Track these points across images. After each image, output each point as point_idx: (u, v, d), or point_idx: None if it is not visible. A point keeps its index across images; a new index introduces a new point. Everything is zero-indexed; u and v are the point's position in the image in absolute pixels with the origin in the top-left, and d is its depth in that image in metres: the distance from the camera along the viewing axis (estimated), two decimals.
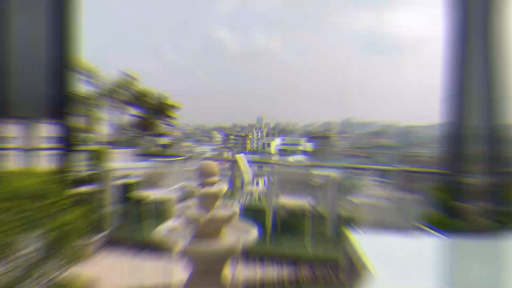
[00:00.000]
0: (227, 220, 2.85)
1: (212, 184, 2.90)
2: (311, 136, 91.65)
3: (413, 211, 3.11)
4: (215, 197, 2.87)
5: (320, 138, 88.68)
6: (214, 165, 2.92)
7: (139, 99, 7.06)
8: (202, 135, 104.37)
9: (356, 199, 5.31)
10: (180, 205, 3.05)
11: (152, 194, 5.00)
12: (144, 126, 7.04)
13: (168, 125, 7.28)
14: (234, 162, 6.61)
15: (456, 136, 3.60)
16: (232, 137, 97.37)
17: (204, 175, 2.87)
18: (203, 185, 2.88)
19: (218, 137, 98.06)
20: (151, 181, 5.11)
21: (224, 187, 2.93)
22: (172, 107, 7.17)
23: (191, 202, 3.09)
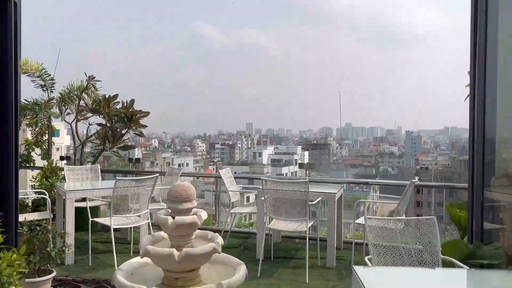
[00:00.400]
0: (206, 257, 2.57)
1: (187, 211, 2.62)
2: (308, 144, 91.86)
3: (431, 235, 2.87)
4: (191, 227, 2.59)
5: (317, 145, 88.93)
6: (189, 188, 2.64)
7: (102, 106, 6.75)
8: (182, 145, 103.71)
9: (363, 220, 5.08)
10: (148, 237, 2.76)
11: (116, 222, 4.68)
12: (108, 137, 6.72)
13: (138, 135, 6.96)
14: (217, 179, 6.33)
15: (482, 144, 3.39)
16: (217, 146, 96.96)
17: (177, 201, 2.59)
18: (176, 213, 2.60)
19: (201, 146, 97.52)
20: (115, 206, 4.79)
21: (202, 214, 2.65)
22: (143, 114, 6.87)
23: (162, 234, 2.80)
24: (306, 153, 70.93)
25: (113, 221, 4.62)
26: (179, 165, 62.63)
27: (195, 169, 66.52)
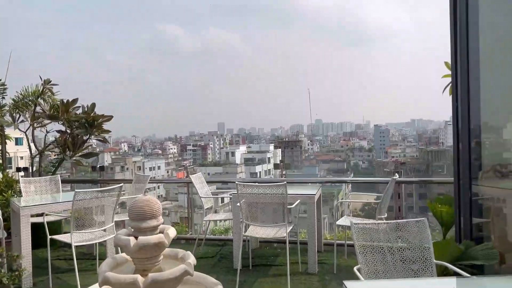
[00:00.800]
0: (177, 281, 2.23)
1: (153, 230, 2.27)
2: (280, 141, 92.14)
3: (423, 240, 2.65)
4: (157, 248, 2.25)
5: (289, 143, 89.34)
6: (153, 203, 2.29)
7: (60, 112, 6.25)
8: (153, 148, 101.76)
9: (344, 222, 4.86)
10: (108, 262, 2.40)
11: (78, 238, 4.25)
12: (68, 145, 6.22)
13: (101, 141, 6.49)
14: (189, 184, 5.96)
15: (468, 135, 3.21)
16: (189, 148, 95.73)
17: (139, 219, 2.24)
18: (139, 232, 2.25)
19: (172, 148, 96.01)
20: (77, 220, 4.35)
21: (170, 232, 2.31)
22: (105, 118, 6.40)
23: (126, 256, 2.44)
24: (279, 150, 71.12)
25: (75, 238, 4.19)
26: (150, 168, 61.53)
27: (167, 171, 65.41)
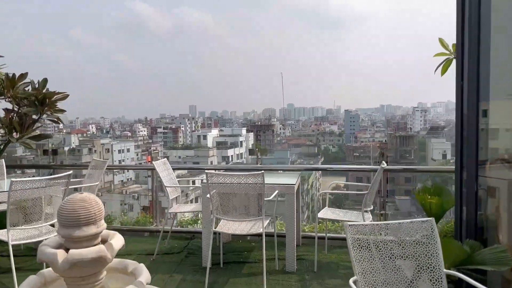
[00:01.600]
0: None
1: (90, 239, 1.69)
2: (252, 125, 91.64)
3: (430, 244, 2.20)
4: (96, 265, 1.67)
5: (262, 127, 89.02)
6: (91, 203, 1.71)
7: (6, 87, 5.43)
8: (122, 130, 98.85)
9: (324, 214, 4.40)
10: (32, 280, 1.81)
11: (18, 236, 3.60)
12: (15, 125, 5.45)
13: (54, 122, 5.74)
14: (154, 171, 5.34)
15: (476, 118, 2.77)
16: (160, 130, 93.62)
17: (71, 225, 1.65)
18: (72, 243, 1.67)
19: (142, 131, 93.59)
20: (21, 212, 3.69)
21: (115, 242, 1.73)
22: (60, 96, 5.63)
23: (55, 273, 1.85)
24: (251, 134, 70.60)
25: (13, 235, 3.54)
26: (119, 151, 59.66)
27: (136, 154, 63.70)
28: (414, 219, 2.25)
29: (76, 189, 5.03)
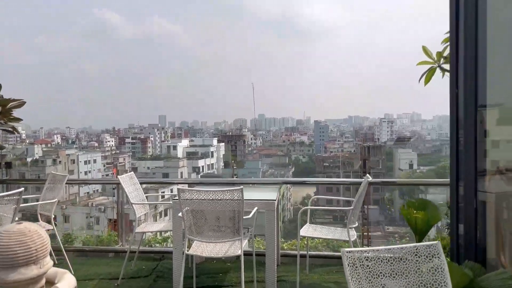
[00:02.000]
0: None
1: (30, 283, 1.31)
2: (223, 135, 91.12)
3: (437, 271, 1.95)
4: None
5: (233, 137, 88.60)
6: (32, 237, 1.33)
7: None
8: (88, 140, 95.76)
9: (308, 230, 4.10)
10: None
11: None
12: None
13: (8, 132, 5.22)
14: (119, 186, 4.90)
15: (474, 126, 2.56)
16: (128, 140, 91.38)
17: (5, 266, 1.27)
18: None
19: (109, 141, 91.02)
20: None
21: (62, 286, 1.36)
22: (15, 104, 5.14)
23: None
24: (222, 144, 70.03)
25: None
26: (85, 162, 57.57)
27: (103, 165, 61.75)
28: (418, 244, 1.99)
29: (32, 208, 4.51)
